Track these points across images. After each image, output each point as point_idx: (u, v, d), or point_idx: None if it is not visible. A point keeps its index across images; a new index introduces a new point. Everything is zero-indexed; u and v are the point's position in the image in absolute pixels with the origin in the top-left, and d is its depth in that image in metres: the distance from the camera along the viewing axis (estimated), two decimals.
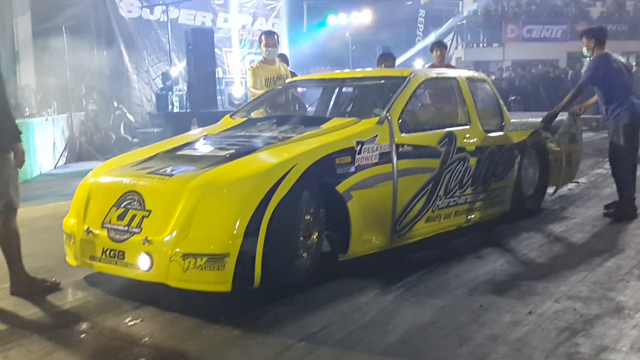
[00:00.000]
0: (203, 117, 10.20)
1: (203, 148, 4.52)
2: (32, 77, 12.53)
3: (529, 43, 25.79)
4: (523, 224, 5.59)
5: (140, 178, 3.93)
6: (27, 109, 10.88)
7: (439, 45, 7.90)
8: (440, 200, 4.85)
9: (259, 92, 6.06)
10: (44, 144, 10.17)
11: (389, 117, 4.46)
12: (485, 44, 27.37)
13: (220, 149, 4.35)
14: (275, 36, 6.66)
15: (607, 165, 9.38)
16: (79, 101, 12.38)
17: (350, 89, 6.08)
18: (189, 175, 3.78)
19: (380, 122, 4.43)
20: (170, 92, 13.18)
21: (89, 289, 4.00)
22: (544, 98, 16.94)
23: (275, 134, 4.52)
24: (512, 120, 5.86)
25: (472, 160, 5.15)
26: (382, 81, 5.50)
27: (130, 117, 13.46)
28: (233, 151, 4.15)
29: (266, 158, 3.92)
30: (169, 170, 3.95)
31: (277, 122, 4.88)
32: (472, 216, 5.27)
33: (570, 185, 7.41)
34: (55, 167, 10.55)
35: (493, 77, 19.40)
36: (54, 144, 10.70)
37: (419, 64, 19.44)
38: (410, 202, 4.57)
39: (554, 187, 6.54)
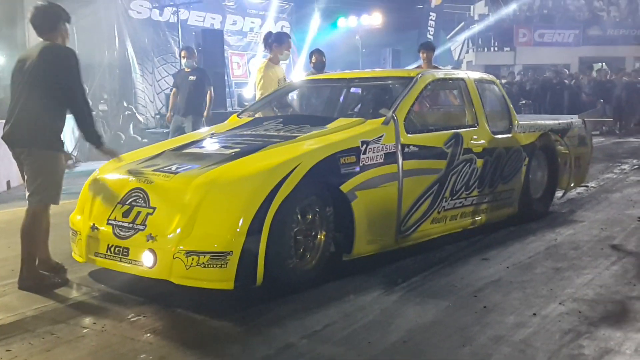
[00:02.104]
0: (212, 118, 10.22)
1: (209, 146, 4.53)
2: None
3: (541, 47, 25.66)
4: (530, 227, 5.55)
5: (145, 175, 3.95)
6: None
7: (426, 47, 7.85)
8: (446, 201, 4.83)
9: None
10: None
11: (395, 118, 4.45)
12: (496, 48, 27.27)
13: (226, 147, 4.36)
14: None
15: (617, 170, 9.39)
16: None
17: (357, 90, 6.08)
18: (194, 173, 3.80)
19: (386, 122, 4.42)
20: None
21: (94, 285, 4.01)
22: (546, 104, 16.85)
23: (281, 133, 4.52)
24: (520, 122, 5.82)
25: (479, 162, 5.12)
26: (389, 81, 5.49)
27: (140, 118, 13.52)
28: (238, 150, 4.16)
29: (270, 157, 3.91)
30: (174, 167, 3.97)
31: (283, 121, 4.88)
32: (479, 218, 5.24)
33: (580, 189, 7.36)
34: (74, 163, 10.58)
35: (504, 81, 19.35)
36: (64, 143, 10.73)
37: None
38: (416, 203, 4.55)
39: (563, 190, 6.49)
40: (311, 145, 4.07)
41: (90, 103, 4.14)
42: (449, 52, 26.25)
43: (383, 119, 4.46)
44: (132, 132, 12.93)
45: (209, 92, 8.80)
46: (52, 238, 4.80)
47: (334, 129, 4.43)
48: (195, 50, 9.58)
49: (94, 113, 12.82)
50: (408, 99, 4.71)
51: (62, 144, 4.09)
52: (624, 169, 9.65)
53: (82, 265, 4.18)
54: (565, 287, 3.88)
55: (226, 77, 13.03)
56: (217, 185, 3.65)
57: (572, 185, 6.62)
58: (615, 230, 5.42)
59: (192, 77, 8.65)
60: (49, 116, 3.94)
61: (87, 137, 4.06)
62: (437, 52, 22.50)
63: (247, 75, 16.79)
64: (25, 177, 4.04)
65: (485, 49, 27.29)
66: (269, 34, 7.05)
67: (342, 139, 4.19)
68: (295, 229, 3.77)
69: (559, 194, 6.49)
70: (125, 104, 13.30)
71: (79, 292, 3.90)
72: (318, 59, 7.54)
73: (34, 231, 4.00)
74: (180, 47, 10.29)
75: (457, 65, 25.17)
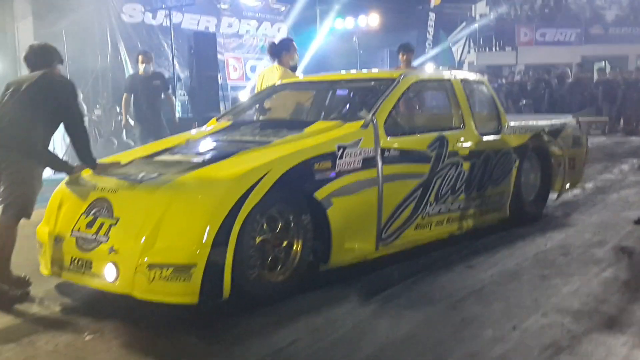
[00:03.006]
0: (205, 122, 10.03)
1: (181, 153, 4.35)
2: None
3: (543, 47, 25.42)
4: (521, 231, 5.34)
5: (110, 184, 3.79)
6: None
7: (406, 48, 7.70)
8: (430, 206, 4.64)
9: None
10: None
11: (374, 120, 4.26)
12: (498, 48, 27.02)
13: (198, 154, 4.20)
14: None
15: (616, 170, 9.16)
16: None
17: (341, 91, 5.89)
18: (158, 182, 3.63)
19: (364, 126, 4.24)
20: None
21: (57, 300, 3.84)
22: (545, 104, 16.67)
23: (257, 138, 4.36)
24: (511, 124, 5.63)
25: (466, 165, 4.93)
26: (372, 83, 5.31)
27: (133, 123, 13.36)
28: (209, 156, 3.99)
29: (240, 163, 3.73)
30: (140, 176, 3.80)
31: (261, 125, 4.73)
32: (466, 223, 5.05)
33: (576, 191, 7.15)
34: (54, 173, 10.44)
35: (504, 82, 19.12)
36: (54, 149, 10.60)
37: (429, 68, 19.13)
38: (398, 209, 4.37)
39: (557, 193, 6.29)
40: (284, 151, 3.89)
41: (84, 108, 4.15)
42: (451, 52, 26.02)
43: (362, 121, 4.28)
44: (125, 137, 12.78)
45: (169, 97, 8.68)
46: (23, 249, 4.64)
47: (311, 133, 4.25)
48: (153, 55, 9.40)
49: (85, 118, 12.60)
50: (389, 101, 4.52)
51: (45, 161, 4.06)
52: (623, 169, 9.42)
53: (50, 278, 4.00)
54: (550, 297, 3.68)
55: (220, 81, 12.85)
56: (181, 194, 3.49)
57: (567, 187, 6.41)
58: (608, 234, 5.21)
59: (156, 82, 8.43)
60: (37, 130, 3.94)
61: (82, 159, 4.08)
62: (436, 53, 22.31)
63: (244, 78, 16.64)
64: (2, 188, 3.90)
65: (487, 49, 27.03)
66: (273, 43, 6.79)
67: (317, 143, 4.01)
68: (259, 238, 3.58)
69: (553, 196, 6.28)
70: (117, 109, 13.15)
71: (38, 308, 3.73)
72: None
73: (5, 245, 3.87)
74: (138, 51, 10.09)
75: (459, 66, 24.94)
